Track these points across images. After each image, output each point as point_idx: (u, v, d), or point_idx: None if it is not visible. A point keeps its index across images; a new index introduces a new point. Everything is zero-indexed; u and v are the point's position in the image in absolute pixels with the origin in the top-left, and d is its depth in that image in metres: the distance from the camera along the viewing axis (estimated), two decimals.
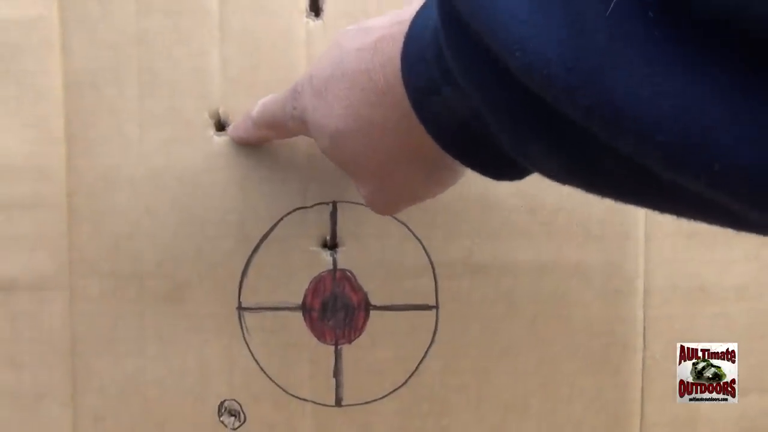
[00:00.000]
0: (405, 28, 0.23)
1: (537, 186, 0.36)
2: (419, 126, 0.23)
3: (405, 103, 0.23)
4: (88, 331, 0.37)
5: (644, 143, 0.14)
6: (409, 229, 0.36)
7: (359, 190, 0.29)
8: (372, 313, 0.37)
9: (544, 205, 0.36)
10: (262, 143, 0.36)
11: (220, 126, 0.36)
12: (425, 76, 0.22)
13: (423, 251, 0.37)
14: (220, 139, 0.36)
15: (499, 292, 0.37)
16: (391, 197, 0.29)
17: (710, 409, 0.37)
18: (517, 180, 0.24)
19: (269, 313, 0.37)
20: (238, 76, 0.36)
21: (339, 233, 0.36)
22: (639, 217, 0.36)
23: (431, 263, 0.37)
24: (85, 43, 0.36)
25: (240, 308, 0.37)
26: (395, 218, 0.36)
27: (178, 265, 0.37)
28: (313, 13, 0.36)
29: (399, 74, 0.23)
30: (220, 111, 0.36)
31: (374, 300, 0.37)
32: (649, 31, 0.14)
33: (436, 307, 0.37)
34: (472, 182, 0.36)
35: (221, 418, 0.37)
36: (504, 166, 0.23)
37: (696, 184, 0.14)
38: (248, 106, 0.36)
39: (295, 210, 0.36)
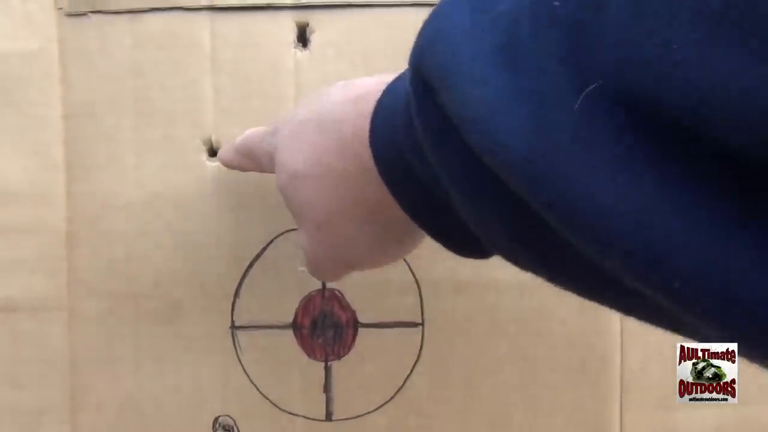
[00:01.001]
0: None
1: None
2: (378, 184, 0.23)
3: (367, 159, 0.23)
4: (86, 350, 0.38)
5: (603, 248, 0.14)
6: None
7: (302, 241, 0.29)
8: (360, 330, 0.38)
9: None
10: (243, 170, 0.36)
11: (213, 152, 0.38)
12: (392, 139, 0.22)
13: (409, 270, 0.38)
14: (212, 165, 0.38)
15: (482, 309, 0.38)
16: (330, 255, 0.28)
17: (688, 420, 0.39)
18: (480, 259, 0.23)
19: (261, 332, 0.38)
20: (229, 105, 0.38)
21: None
22: None
23: (417, 282, 0.38)
24: (84, 75, 0.38)
25: (233, 327, 0.38)
26: None
27: (174, 287, 0.38)
28: (300, 44, 0.38)
29: (367, 130, 0.23)
30: (213, 138, 0.38)
31: (362, 318, 0.38)
32: (616, 134, 0.13)
33: (422, 324, 0.38)
34: None
35: None
36: (468, 242, 0.22)
37: (658, 297, 0.13)
38: (239, 134, 0.37)
39: (285, 232, 0.38)
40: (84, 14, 0.37)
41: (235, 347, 0.38)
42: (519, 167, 0.15)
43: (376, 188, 0.23)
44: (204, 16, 0.37)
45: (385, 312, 0.38)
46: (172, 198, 0.38)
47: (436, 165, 0.19)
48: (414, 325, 0.38)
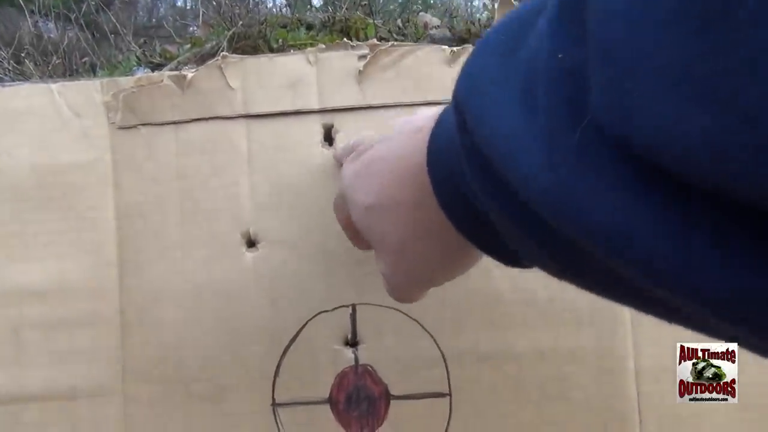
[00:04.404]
0: None
1: (532, 280, 0.41)
2: (438, 208, 0.26)
3: (428, 187, 0.26)
4: (140, 431, 0.41)
5: (612, 254, 0.17)
6: (421, 325, 0.41)
7: (381, 268, 0.31)
8: (392, 402, 0.41)
9: (538, 297, 0.41)
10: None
11: (251, 243, 0.42)
12: (446, 170, 0.25)
13: (435, 344, 0.41)
14: (251, 255, 0.42)
15: (505, 378, 0.41)
16: (407, 277, 0.31)
17: None
18: (526, 268, 0.26)
19: (300, 408, 0.41)
20: (265, 201, 0.42)
21: (359, 332, 0.41)
22: None
23: (442, 355, 0.41)
24: (134, 180, 0.42)
25: (274, 404, 0.41)
26: (408, 316, 0.41)
27: (218, 369, 0.41)
28: (327, 143, 0.42)
29: (425, 161, 0.26)
30: (251, 231, 0.42)
31: (394, 390, 0.41)
32: (609, 165, 0.16)
33: (450, 394, 0.41)
34: (474, 279, 0.40)
35: None
36: (513, 255, 0.25)
37: (636, 276, 0.17)
38: (274, 227, 0.41)
39: (318, 314, 0.41)
40: (134, 127, 0.42)
41: (276, 423, 0.41)
42: (540, 199, 0.18)
43: (438, 212, 0.26)
44: (240, 123, 0.42)
45: (414, 384, 0.41)
46: (214, 288, 0.42)
47: (479, 192, 0.22)
48: (442, 395, 0.41)
